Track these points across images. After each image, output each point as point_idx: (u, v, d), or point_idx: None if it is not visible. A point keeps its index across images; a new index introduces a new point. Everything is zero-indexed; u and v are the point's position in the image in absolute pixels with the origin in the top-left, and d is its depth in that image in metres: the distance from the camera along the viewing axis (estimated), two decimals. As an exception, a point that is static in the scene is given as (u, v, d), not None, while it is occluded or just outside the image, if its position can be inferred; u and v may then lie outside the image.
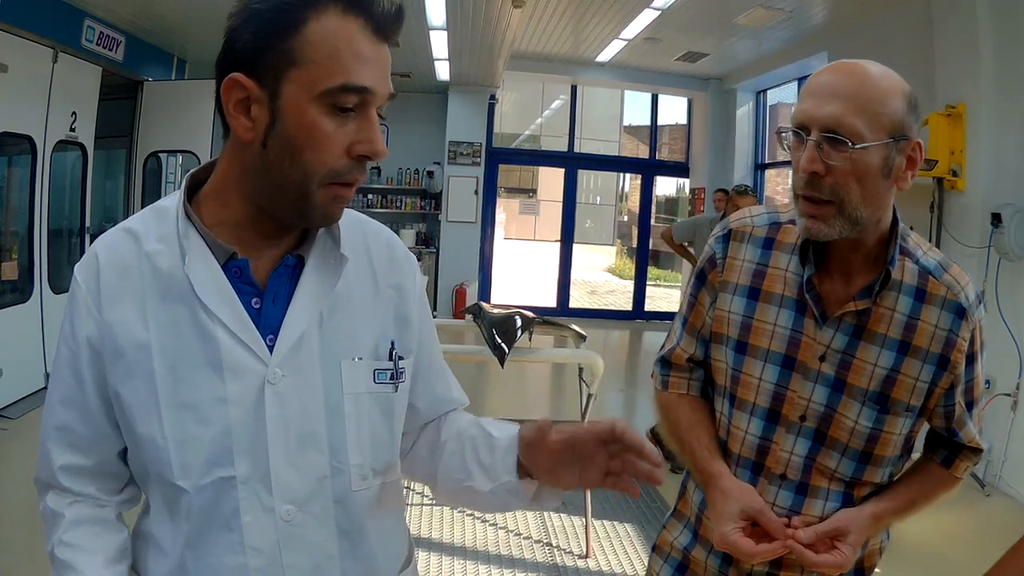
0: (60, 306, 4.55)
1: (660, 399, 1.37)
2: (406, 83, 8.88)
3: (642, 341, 9.56)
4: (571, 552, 3.34)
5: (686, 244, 5.73)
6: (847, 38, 6.34)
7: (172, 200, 0.93)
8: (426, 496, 3.81)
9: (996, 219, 4.26)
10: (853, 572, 1.28)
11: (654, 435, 3.33)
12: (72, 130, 5.49)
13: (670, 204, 15.99)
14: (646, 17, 6.75)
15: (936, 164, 4.57)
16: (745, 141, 9.29)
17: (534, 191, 20.03)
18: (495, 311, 3.42)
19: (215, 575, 0.87)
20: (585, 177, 15.48)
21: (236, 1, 0.86)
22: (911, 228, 1.24)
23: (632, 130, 15.71)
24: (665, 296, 12.97)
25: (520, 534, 3.49)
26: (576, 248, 10.66)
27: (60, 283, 5.40)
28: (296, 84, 0.83)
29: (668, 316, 9.85)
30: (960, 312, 1.17)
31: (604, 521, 3.65)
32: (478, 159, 9.58)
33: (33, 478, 0.96)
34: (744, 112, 9.30)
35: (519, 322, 3.28)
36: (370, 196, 9.66)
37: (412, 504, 3.71)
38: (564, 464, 0.93)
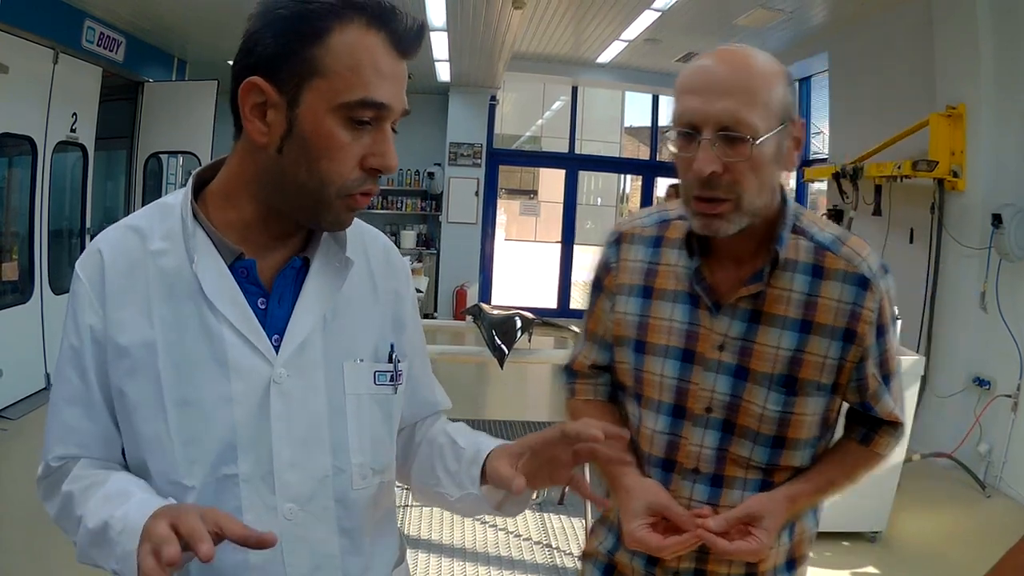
0: (60, 307, 4.57)
1: (568, 406, 1.37)
2: (407, 84, 8.86)
3: (642, 342, 9.51)
4: (571, 553, 3.33)
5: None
6: (847, 38, 6.34)
7: (176, 198, 0.93)
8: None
9: (997, 220, 4.24)
10: (785, 564, 1.25)
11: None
12: (73, 131, 5.50)
13: (670, 205, 15.95)
14: (647, 18, 6.74)
15: (937, 165, 4.57)
16: (745, 142, 9.28)
17: (535, 192, 19.98)
18: (495, 312, 3.43)
19: (216, 572, 0.87)
20: (586, 178, 15.44)
21: (257, 4, 0.86)
22: (839, 211, 1.19)
23: (633, 131, 15.66)
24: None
25: (519, 535, 3.49)
26: (577, 249, 10.63)
27: (60, 284, 5.39)
28: (316, 93, 0.83)
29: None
30: (863, 283, 1.14)
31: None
32: (479, 160, 9.57)
33: (36, 479, 0.96)
34: (744, 113, 9.29)
35: (519, 323, 3.28)
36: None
37: (412, 505, 3.70)
38: (532, 470, 0.94)
